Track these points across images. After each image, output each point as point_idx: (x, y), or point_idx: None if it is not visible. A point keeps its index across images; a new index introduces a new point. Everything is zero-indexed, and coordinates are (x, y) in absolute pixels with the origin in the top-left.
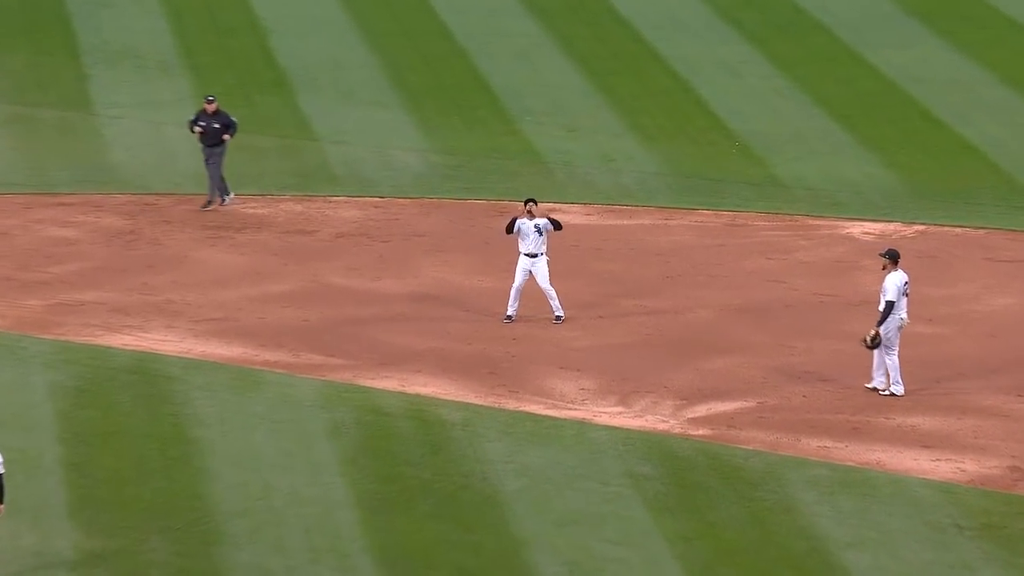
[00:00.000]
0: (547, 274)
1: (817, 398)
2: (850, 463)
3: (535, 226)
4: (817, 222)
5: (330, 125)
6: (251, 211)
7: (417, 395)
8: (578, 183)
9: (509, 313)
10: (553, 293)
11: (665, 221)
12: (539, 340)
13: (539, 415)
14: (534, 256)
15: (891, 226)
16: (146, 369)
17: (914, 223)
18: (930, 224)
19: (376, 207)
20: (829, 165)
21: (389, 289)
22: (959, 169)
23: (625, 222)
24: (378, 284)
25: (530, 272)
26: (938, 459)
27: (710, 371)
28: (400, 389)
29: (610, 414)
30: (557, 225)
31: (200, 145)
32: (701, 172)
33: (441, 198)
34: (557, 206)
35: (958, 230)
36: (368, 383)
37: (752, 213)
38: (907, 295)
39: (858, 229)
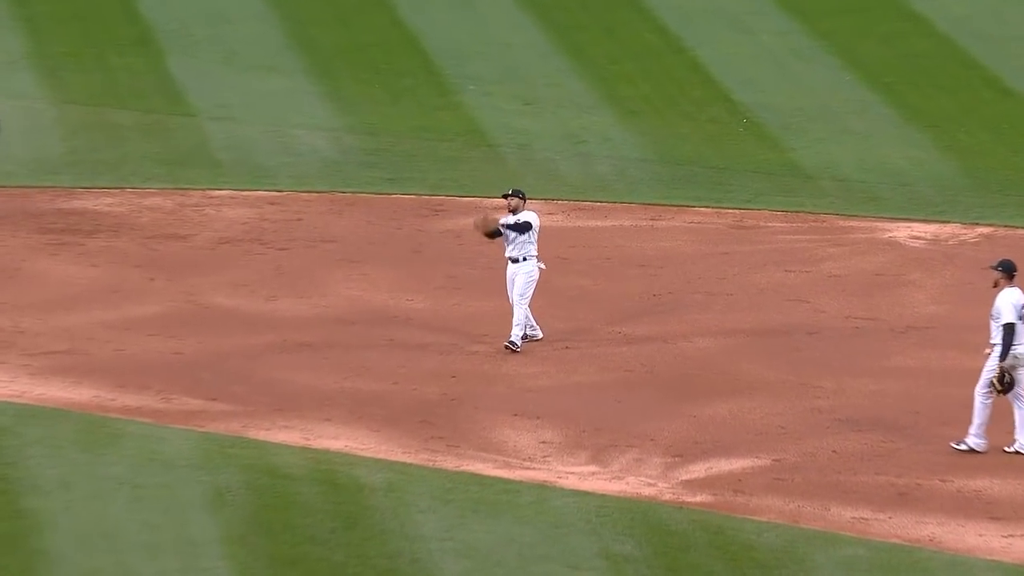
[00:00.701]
0: (524, 287)
1: (851, 454)
2: (895, 540)
3: (515, 223)
4: (850, 223)
5: (210, 95)
6: (106, 208)
7: (326, 451)
8: (537, 172)
9: (531, 335)
10: (522, 316)
11: (652, 222)
12: (487, 378)
13: (486, 477)
14: (516, 262)
15: (947, 228)
16: None
17: (977, 224)
18: (998, 226)
19: (272, 204)
20: (866, 149)
21: (289, 312)
22: None
23: (599, 223)
24: (274, 305)
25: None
26: (1011, 535)
27: (711, 419)
28: (304, 443)
29: (580, 475)
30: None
31: None
32: (698, 158)
33: (358, 192)
34: None
35: None
36: (261, 435)
37: (765, 211)
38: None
39: (904, 232)
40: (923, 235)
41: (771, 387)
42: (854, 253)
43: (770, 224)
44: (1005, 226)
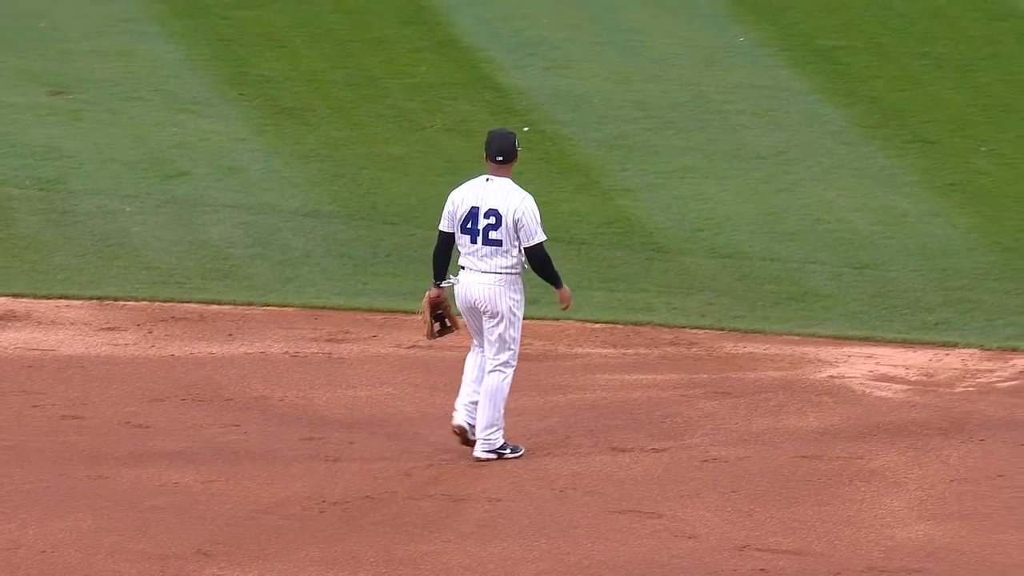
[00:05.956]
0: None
1: None
2: None
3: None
4: (747, 347)
5: None
6: None
7: None
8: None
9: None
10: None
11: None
12: None
13: None
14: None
15: (953, 356)
16: None
17: (1017, 350)
18: None
19: None
20: (787, 186)
21: None
22: None
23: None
24: None
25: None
26: None
27: None
28: None
29: None
30: None
31: None
32: (388, 205)
33: None
34: None
35: None
36: None
37: (576, 323)
38: None
39: (862, 365)
40: (902, 371)
41: None
42: (759, 410)
43: (574, 350)
44: None
